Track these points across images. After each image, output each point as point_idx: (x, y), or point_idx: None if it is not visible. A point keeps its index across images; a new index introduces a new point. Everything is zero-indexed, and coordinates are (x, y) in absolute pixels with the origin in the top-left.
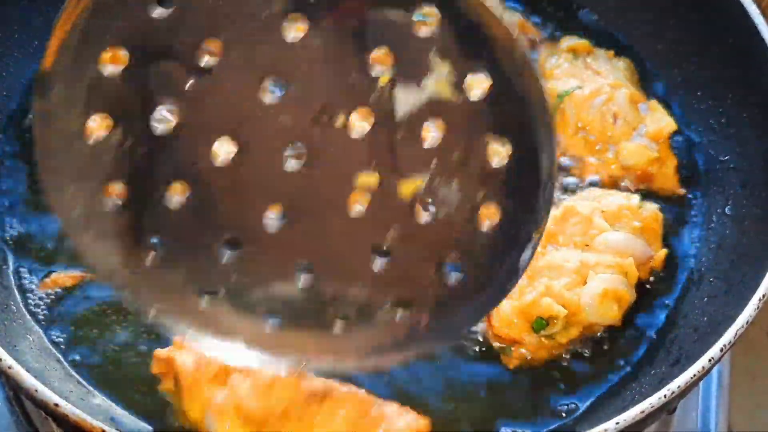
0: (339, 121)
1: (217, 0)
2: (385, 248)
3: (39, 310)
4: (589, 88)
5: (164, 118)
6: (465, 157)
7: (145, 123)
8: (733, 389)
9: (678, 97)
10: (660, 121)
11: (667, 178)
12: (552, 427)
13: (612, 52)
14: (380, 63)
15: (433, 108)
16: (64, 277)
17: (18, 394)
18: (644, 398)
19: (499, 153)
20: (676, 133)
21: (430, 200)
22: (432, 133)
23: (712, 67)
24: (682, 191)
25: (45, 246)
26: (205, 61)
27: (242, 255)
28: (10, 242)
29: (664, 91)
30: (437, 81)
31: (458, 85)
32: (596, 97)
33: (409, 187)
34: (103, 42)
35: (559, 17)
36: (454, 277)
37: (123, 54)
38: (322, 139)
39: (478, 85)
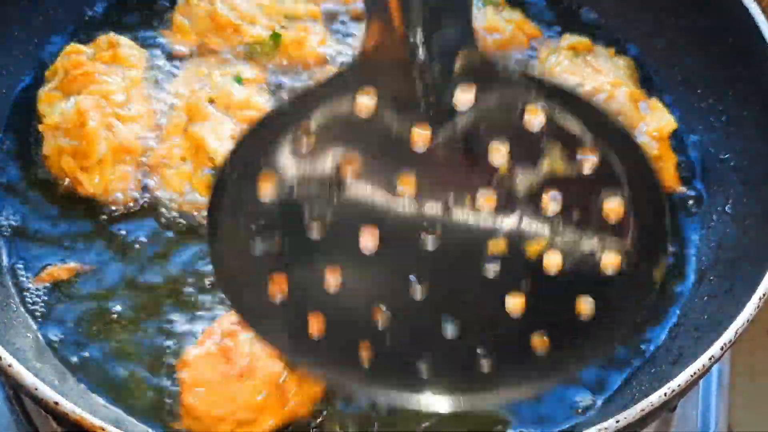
0: (468, 204)
1: (351, 123)
2: (519, 298)
3: (37, 307)
4: (589, 86)
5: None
6: (583, 215)
7: (299, 232)
8: (733, 388)
9: (678, 96)
10: (660, 119)
11: (668, 176)
12: (555, 427)
13: (612, 51)
14: (499, 154)
15: (550, 179)
16: (59, 269)
17: (18, 392)
18: (644, 396)
19: (613, 208)
20: (676, 131)
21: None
22: (552, 202)
23: (712, 65)
24: (682, 189)
25: (39, 241)
26: (348, 175)
27: (393, 321)
28: (7, 234)
29: (665, 89)
30: (552, 160)
31: (571, 161)
32: (597, 95)
33: (536, 247)
34: (258, 173)
35: (559, 15)
36: (584, 316)
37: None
38: (454, 221)
39: (589, 160)
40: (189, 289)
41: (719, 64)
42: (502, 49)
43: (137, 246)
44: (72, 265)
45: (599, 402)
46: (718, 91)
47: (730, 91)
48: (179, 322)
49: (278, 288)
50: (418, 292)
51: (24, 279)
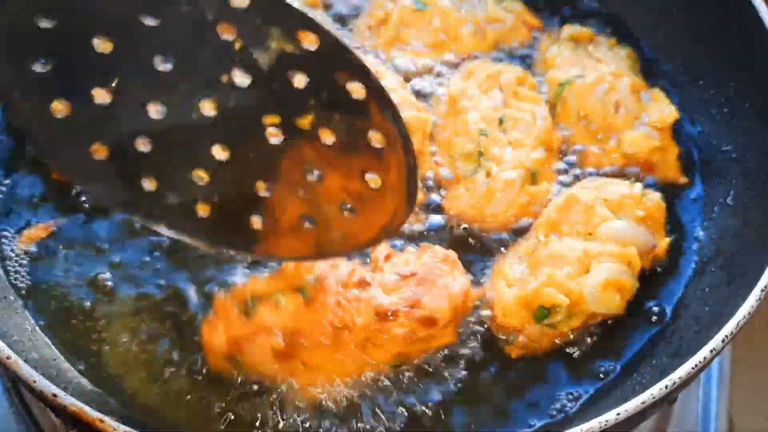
0: (225, 79)
1: None
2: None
3: (38, 304)
4: (591, 76)
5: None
6: (332, 93)
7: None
8: (733, 380)
9: (680, 86)
10: (662, 109)
11: (670, 167)
12: (549, 417)
13: (614, 40)
14: (227, 33)
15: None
16: (36, 230)
17: (16, 384)
18: (645, 389)
19: (354, 89)
20: (677, 122)
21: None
22: (297, 78)
23: (714, 55)
24: (684, 180)
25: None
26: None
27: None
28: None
29: (666, 79)
30: (277, 40)
31: (293, 40)
32: (598, 86)
33: (305, 120)
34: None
35: (561, 5)
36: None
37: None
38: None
39: (308, 38)
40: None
41: (721, 55)
42: (502, 40)
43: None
44: (49, 222)
45: (618, 368)
46: (720, 81)
47: (732, 81)
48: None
49: (60, 110)
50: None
51: (16, 273)
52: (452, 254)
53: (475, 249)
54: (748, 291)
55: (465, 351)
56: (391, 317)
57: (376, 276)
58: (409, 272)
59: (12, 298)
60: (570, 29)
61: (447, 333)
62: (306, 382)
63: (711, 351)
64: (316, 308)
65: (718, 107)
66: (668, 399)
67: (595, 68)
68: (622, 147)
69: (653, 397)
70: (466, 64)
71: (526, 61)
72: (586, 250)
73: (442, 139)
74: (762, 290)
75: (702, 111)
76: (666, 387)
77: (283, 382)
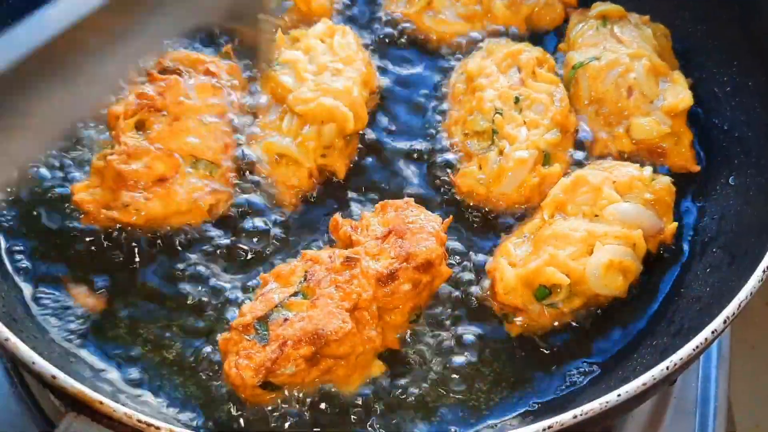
0: None
1: None
2: None
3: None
4: (606, 59)
5: None
6: None
7: None
8: (732, 360)
9: (682, 65)
10: (677, 95)
11: (682, 155)
12: (551, 397)
13: (647, 18)
14: None
15: None
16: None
17: (16, 365)
18: (646, 370)
19: None
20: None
21: None
22: None
23: (717, 34)
24: (696, 168)
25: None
26: None
27: None
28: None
29: None
30: None
31: None
32: (612, 69)
33: None
34: None
35: None
36: None
37: None
38: None
39: None
40: None
41: (725, 31)
42: (535, 16)
43: None
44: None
45: (598, 370)
46: (724, 59)
47: (735, 60)
48: None
49: None
50: None
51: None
52: (407, 199)
53: (484, 227)
54: (750, 271)
55: (464, 331)
56: (392, 279)
57: (357, 250)
58: (385, 232)
59: (12, 280)
60: (599, 7)
61: (443, 270)
62: (346, 373)
63: (712, 332)
64: (322, 302)
65: (720, 86)
66: (669, 380)
67: (614, 49)
68: (630, 133)
69: (654, 379)
70: (486, 42)
71: (559, 39)
72: (591, 231)
73: (457, 116)
74: (763, 271)
75: (704, 90)
76: (667, 368)
77: (324, 382)
